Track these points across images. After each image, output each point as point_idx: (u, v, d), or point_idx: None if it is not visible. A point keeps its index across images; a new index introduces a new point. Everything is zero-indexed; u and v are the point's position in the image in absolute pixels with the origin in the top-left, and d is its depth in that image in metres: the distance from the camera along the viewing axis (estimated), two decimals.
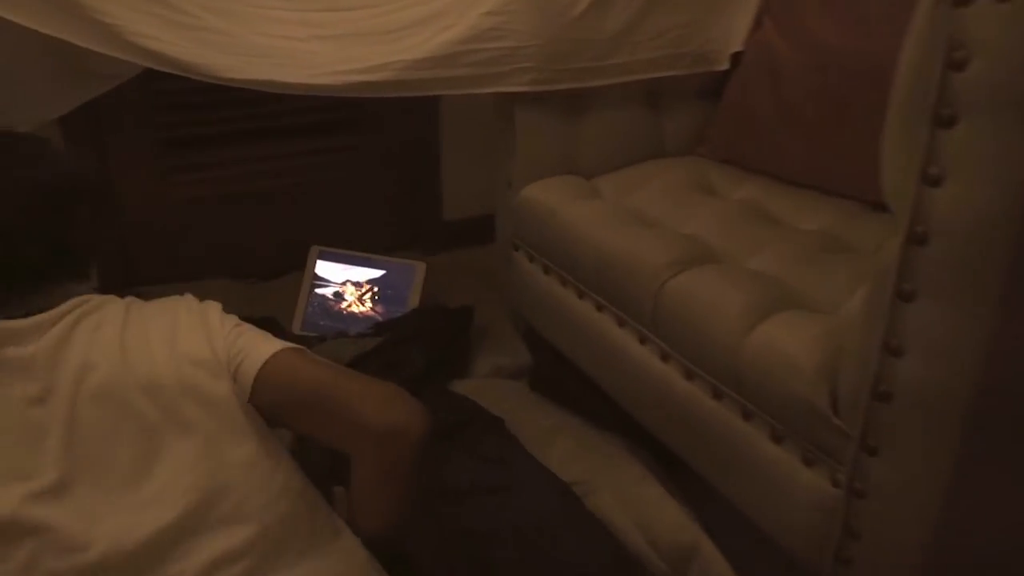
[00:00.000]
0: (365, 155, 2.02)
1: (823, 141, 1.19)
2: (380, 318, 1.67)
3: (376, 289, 1.71)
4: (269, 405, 0.79)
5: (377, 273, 1.72)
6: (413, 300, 1.68)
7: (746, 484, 0.93)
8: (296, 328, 1.71)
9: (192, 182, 1.90)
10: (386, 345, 1.45)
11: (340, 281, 1.74)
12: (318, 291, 1.75)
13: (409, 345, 1.46)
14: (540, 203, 1.28)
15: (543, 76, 1.27)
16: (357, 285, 1.73)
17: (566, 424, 1.29)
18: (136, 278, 1.87)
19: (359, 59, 1.28)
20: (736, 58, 1.36)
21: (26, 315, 0.78)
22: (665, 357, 1.03)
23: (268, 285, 1.96)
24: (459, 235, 2.16)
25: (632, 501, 1.10)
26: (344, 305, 1.72)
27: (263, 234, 2.00)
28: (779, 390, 0.83)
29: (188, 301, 0.87)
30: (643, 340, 1.07)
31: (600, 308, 1.16)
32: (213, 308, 0.85)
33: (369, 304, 1.71)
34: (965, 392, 0.69)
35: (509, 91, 1.28)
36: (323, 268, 1.76)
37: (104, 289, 1.69)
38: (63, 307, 0.80)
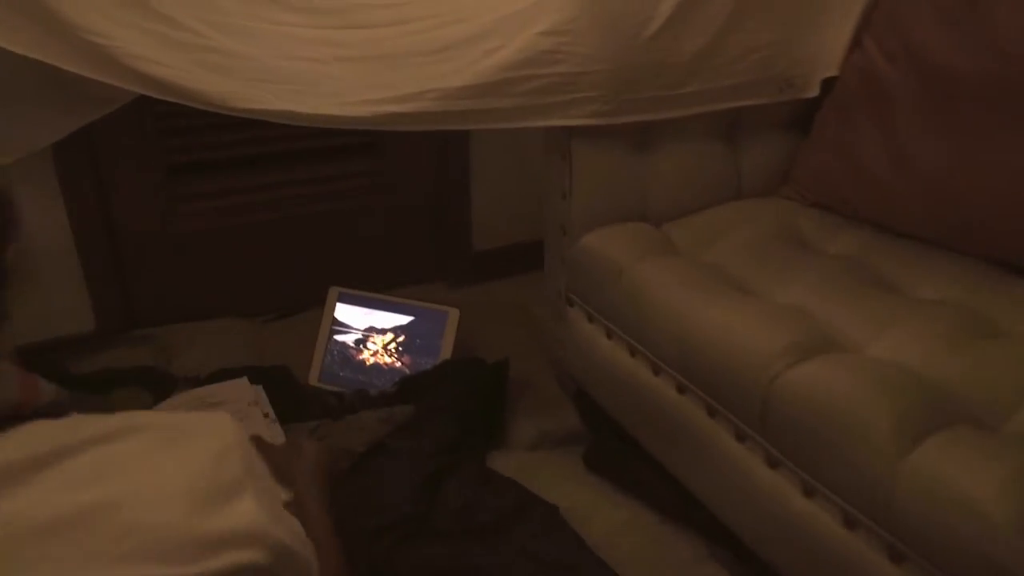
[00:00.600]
0: (387, 181, 1.83)
1: (947, 187, 0.99)
2: (407, 370, 1.48)
3: (403, 338, 1.52)
4: None
5: (404, 319, 1.53)
6: (445, 350, 1.48)
7: None
8: (312, 379, 1.52)
9: (198, 213, 1.70)
10: (416, 422, 1.26)
11: (363, 327, 1.55)
12: (337, 338, 1.55)
13: (441, 414, 1.27)
14: (604, 257, 1.09)
15: (609, 107, 1.07)
16: (381, 332, 1.54)
17: (636, 518, 1.10)
18: (138, 319, 1.69)
19: (391, 86, 1.09)
20: (828, 84, 1.16)
21: None
22: (774, 464, 0.84)
23: (281, 324, 1.78)
24: (490, 266, 1.98)
25: None
26: (367, 355, 1.53)
27: (276, 268, 1.81)
28: (957, 546, 0.63)
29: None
30: (742, 437, 0.88)
31: (683, 390, 0.97)
32: None
33: (395, 354, 1.52)
34: None
35: (567, 124, 1.08)
36: (344, 312, 1.56)
37: (103, 332, 1.50)
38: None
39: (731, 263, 1.03)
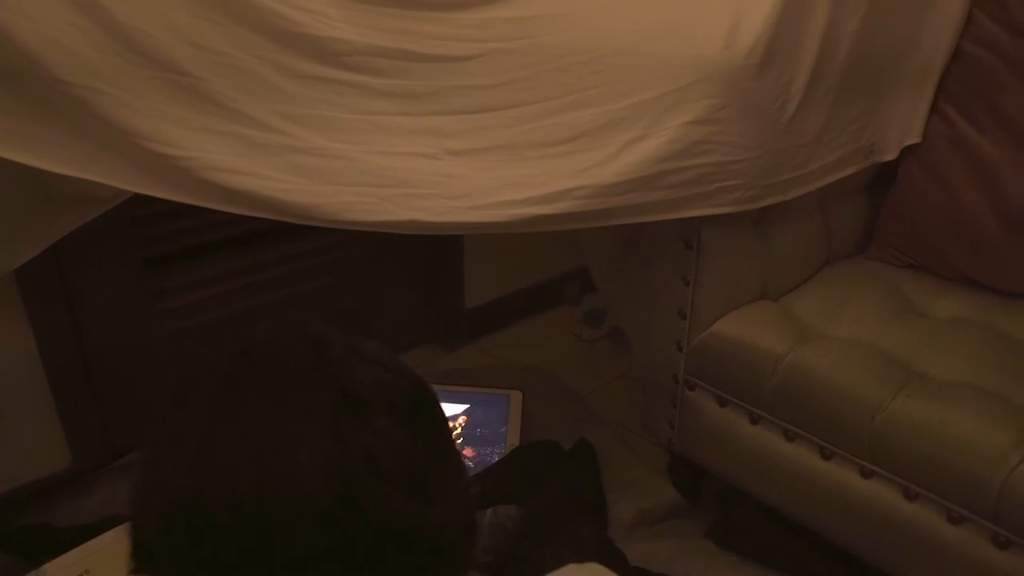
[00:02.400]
0: (375, 249, 1.68)
1: None
2: (472, 465, 1.38)
3: (460, 429, 1.41)
4: None
5: (459, 408, 1.42)
6: (512, 437, 1.39)
7: None
8: None
9: (179, 308, 1.47)
10: (540, 521, 1.17)
11: None
12: None
13: (562, 509, 1.20)
14: (751, 344, 1.08)
15: (750, 193, 1.06)
16: (458, 427, 1.42)
17: None
18: (121, 447, 1.43)
19: (527, 184, 1.01)
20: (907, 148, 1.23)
21: None
22: (1003, 545, 0.87)
23: None
24: (479, 322, 1.90)
25: None
26: None
27: None
28: None
29: None
30: (957, 521, 0.91)
31: (868, 475, 0.98)
32: None
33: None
34: None
35: (710, 214, 1.05)
36: None
37: (78, 470, 1.26)
38: None
39: (879, 340, 1.06)
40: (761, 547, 1.17)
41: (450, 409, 1.42)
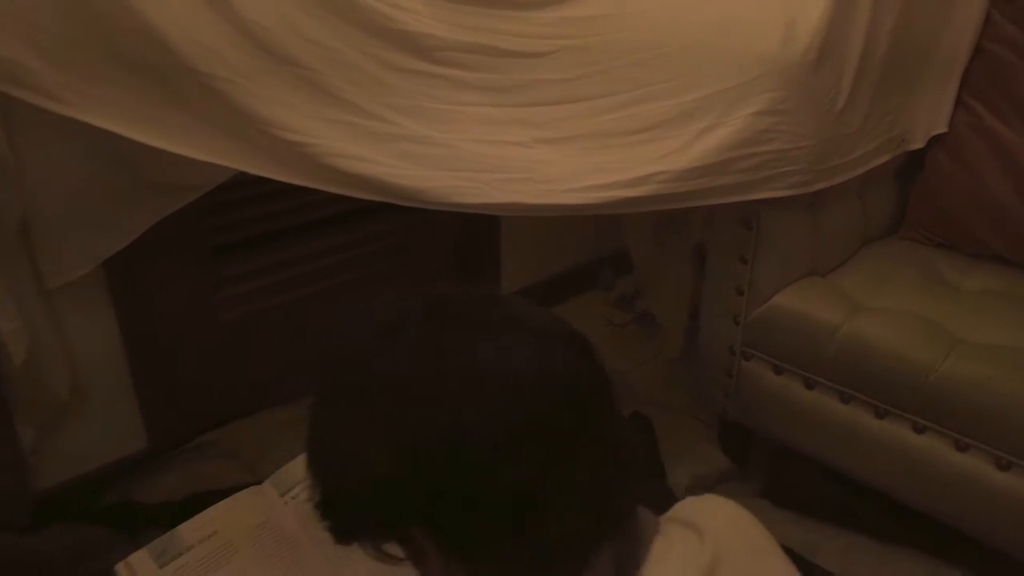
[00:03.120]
0: (414, 238, 1.76)
1: None
2: None
3: None
4: None
5: None
6: None
7: None
8: None
9: (242, 295, 1.53)
10: None
11: None
12: None
13: None
14: (809, 315, 1.18)
15: (806, 178, 1.16)
16: None
17: (856, 543, 1.21)
18: (194, 428, 1.49)
19: (614, 170, 1.10)
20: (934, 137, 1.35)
21: None
22: None
23: None
24: None
25: None
26: None
27: (315, 345, 1.68)
28: None
29: None
30: (1007, 467, 1.02)
31: (921, 430, 1.09)
32: None
33: None
34: None
35: (771, 196, 1.16)
36: None
37: (154, 450, 1.34)
38: None
39: (925, 311, 1.17)
40: (816, 502, 1.28)
41: None
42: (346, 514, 0.64)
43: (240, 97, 0.94)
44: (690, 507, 0.71)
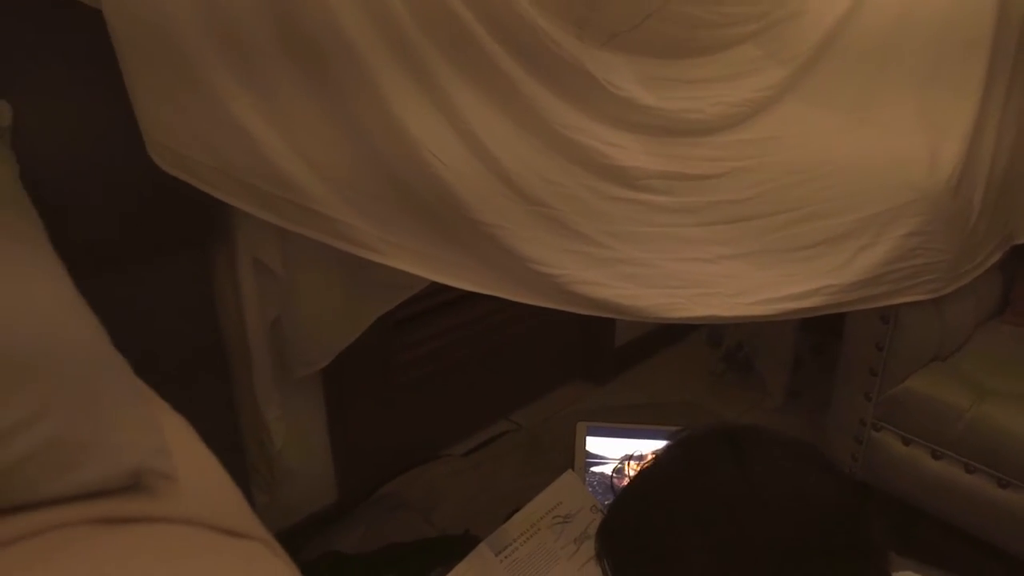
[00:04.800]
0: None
1: None
2: None
3: None
4: None
5: (661, 444, 1.78)
6: None
7: None
8: None
9: (414, 360, 1.80)
10: None
11: (618, 457, 1.77)
12: (594, 469, 1.76)
13: None
14: (939, 399, 1.46)
15: (942, 284, 1.44)
16: (640, 459, 1.77)
17: None
18: (375, 482, 1.76)
19: (786, 284, 1.37)
20: None
21: None
22: None
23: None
24: (625, 357, 2.26)
25: None
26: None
27: (466, 402, 1.96)
28: None
29: None
30: None
31: None
32: None
33: None
34: None
35: (911, 301, 1.43)
36: (595, 444, 1.77)
37: (343, 503, 1.59)
38: None
39: None
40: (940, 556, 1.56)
41: (653, 444, 1.78)
42: None
43: (508, 240, 1.20)
44: None
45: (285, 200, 1.06)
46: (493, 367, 2.00)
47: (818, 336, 2.10)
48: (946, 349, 1.56)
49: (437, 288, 1.75)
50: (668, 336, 2.33)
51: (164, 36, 0.93)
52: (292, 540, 1.61)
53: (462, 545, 1.59)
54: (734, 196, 1.41)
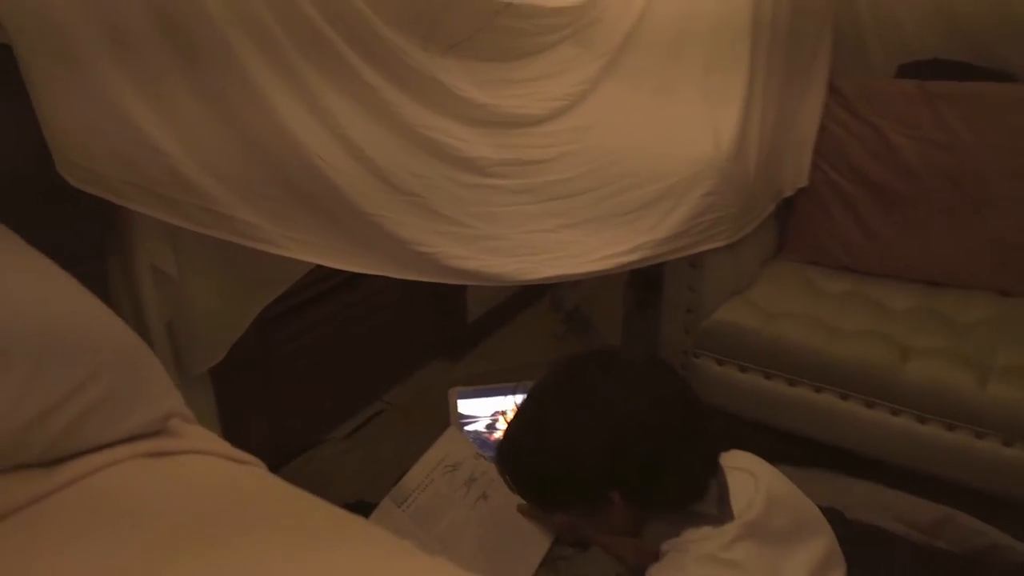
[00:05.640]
0: (399, 290, 2.27)
1: (896, 246, 1.98)
2: None
3: None
4: None
5: (521, 397, 2.08)
6: None
7: (970, 469, 1.67)
8: None
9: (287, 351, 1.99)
10: None
11: (489, 414, 2.05)
12: (468, 428, 2.03)
13: None
14: (740, 324, 1.86)
15: (732, 232, 1.83)
16: (505, 413, 2.06)
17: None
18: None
19: (611, 243, 1.70)
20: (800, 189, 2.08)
21: None
22: (898, 412, 1.73)
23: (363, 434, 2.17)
24: (479, 330, 2.55)
25: (881, 505, 1.77)
26: (499, 435, 2.05)
27: (342, 388, 2.16)
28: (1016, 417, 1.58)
29: None
30: (872, 406, 1.76)
31: (819, 390, 1.81)
32: None
33: None
34: None
35: (711, 247, 1.82)
36: (465, 406, 2.05)
37: None
38: None
39: (809, 311, 1.89)
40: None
41: (518, 399, 2.07)
42: (560, 487, 1.20)
43: (389, 226, 1.44)
44: (737, 458, 1.32)
45: (192, 204, 1.23)
46: (361, 353, 2.21)
47: (642, 292, 2.49)
48: (741, 285, 1.97)
49: (304, 284, 1.97)
50: (514, 307, 2.65)
51: (60, 39, 1.05)
52: None
53: (360, 510, 1.81)
54: (564, 176, 1.72)
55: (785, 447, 1.90)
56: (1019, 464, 1.61)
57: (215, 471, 0.79)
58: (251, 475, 0.81)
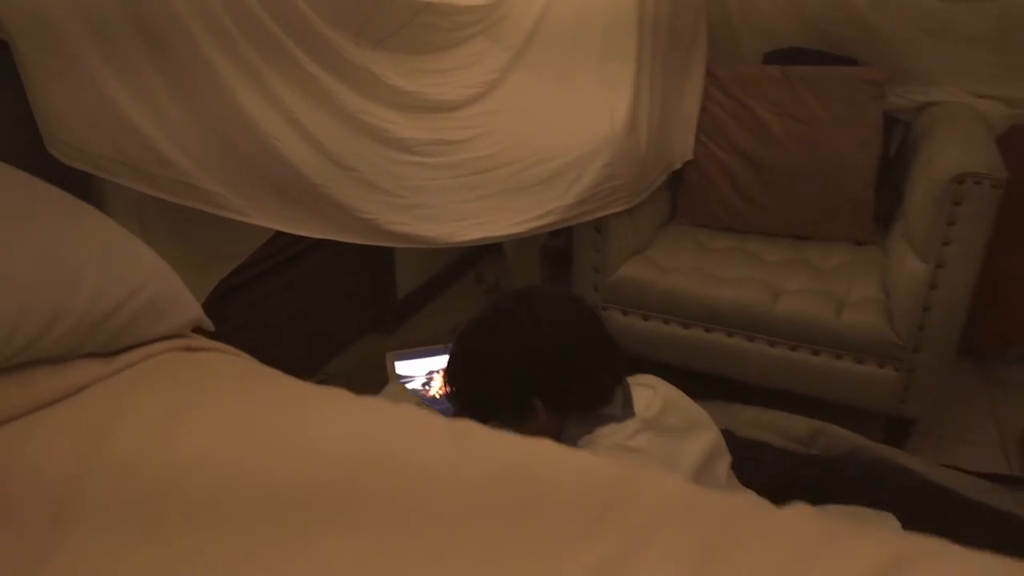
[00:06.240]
0: (333, 269, 2.54)
1: (768, 207, 2.36)
2: None
3: None
4: None
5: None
6: None
7: (833, 386, 2.04)
8: None
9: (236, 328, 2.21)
10: None
11: (424, 373, 2.32)
12: (407, 387, 2.30)
13: None
14: (641, 279, 2.19)
15: (629, 199, 2.16)
16: (440, 371, 2.34)
17: None
18: None
19: (526, 210, 2.00)
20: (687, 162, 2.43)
21: None
22: (774, 344, 2.09)
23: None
24: (409, 306, 2.82)
25: (765, 423, 2.13)
26: (434, 391, 2.32)
27: (285, 362, 2.38)
28: (865, 338, 1.97)
29: None
30: (753, 339, 2.11)
31: (710, 330, 2.15)
32: None
33: None
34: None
35: (611, 212, 2.14)
36: (402, 368, 2.31)
37: None
38: None
39: (698, 265, 2.24)
40: None
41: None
42: (492, 399, 1.49)
43: (336, 196, 1.69)
44: (641, 377, 1.63)
45: (167, 178, 1.46)
46: (301, 330, 2.45)
47: (555, 267, 2.81)
48: (640, 246, 2.30)
49: (247, 264, 2.20)
50: (440, 283, 2.92)
51: (52, 35, 1.27)
52: None
53: None
54: (480, 154, 2.01)
55: (684, 383, 2.21)
56: (871, 378, 1.98)
57: (234, 363, 1.03)
58: (259, 367, 1.06)
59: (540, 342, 1.43)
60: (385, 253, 2.65)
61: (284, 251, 2.30)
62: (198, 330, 1.12)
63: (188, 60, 1.44)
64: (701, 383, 2.24)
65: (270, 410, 0.87)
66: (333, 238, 1.71)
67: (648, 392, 1.49)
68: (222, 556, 0.65)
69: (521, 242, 2.60)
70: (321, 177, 1.66)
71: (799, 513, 0.82)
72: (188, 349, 1.01)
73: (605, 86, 2.12)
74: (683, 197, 2.45)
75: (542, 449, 0.80)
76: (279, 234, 1.72)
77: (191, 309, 1.05)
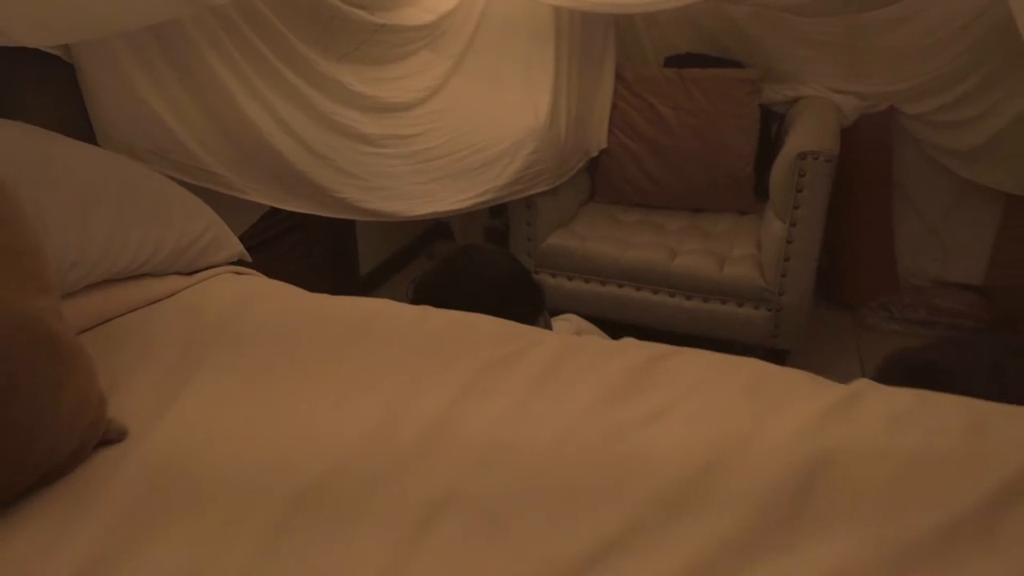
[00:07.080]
0: (303, 248, 3.02)
1: (670, 186, 2.92)
2: None
3: None
4: None
5: None
6: None
7: (721, 327, 2.60)
8: None
9: None
10: None
11: None
12: None
13: None
14: (566, 247, 2.72)
15: (553, 181, 2.69)
16: None
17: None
18: None
19: (466, 190, 2.52)
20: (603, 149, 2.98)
21: None
22: (673, 295, 2.64)
23: None
24: (372, 282, 3.32)
25: None
26: None
27: None
28: (742, 286, 2.53)
29: None
30: (656, 292, 2.66)
31: (621, 286, 2.70)
32: None
33: None
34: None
35: (538, 192, 2.68)
36: None
37: None
38: None
39: (612, 234, 2.78)
40: None
41: None
42: None
43: (316, 179, 2.19)
44: (563, 315, 2.16)
45: (191, 165, 1.95)
46: None
47: (494, 244, 3.33)
48: (565, 220, 2.83)
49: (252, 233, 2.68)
50: (397, 262, 3.42)
51: (108, 56, 1.76)
52: None
53: None
54: (429, 145, 2.52)
55: (604, 332, 2.77)
56: (749, 319, 2.55)
57: (266, 281, 1.54)
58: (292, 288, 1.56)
59: (477, 283, 1.94)
60: (348, 230, 3.13)
61: (260, 235, 2.77)
62: (239, 262, 1.62)
63: (203, 75, 1.92)
64: (616, 331, 2.79)
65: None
66: (313, 212, 2.21)
67: (566, 323, 2.01)
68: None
69: (466, 223, 3.13)
70: (304, 164, 2.15)
71: (624, 344, 1.34)
72: (237, 273, 1.51)
73: (530, 87, 2.65)
74: (599, 179, 2.99)
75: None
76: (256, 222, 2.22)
77: (237, 245, 1.55)
